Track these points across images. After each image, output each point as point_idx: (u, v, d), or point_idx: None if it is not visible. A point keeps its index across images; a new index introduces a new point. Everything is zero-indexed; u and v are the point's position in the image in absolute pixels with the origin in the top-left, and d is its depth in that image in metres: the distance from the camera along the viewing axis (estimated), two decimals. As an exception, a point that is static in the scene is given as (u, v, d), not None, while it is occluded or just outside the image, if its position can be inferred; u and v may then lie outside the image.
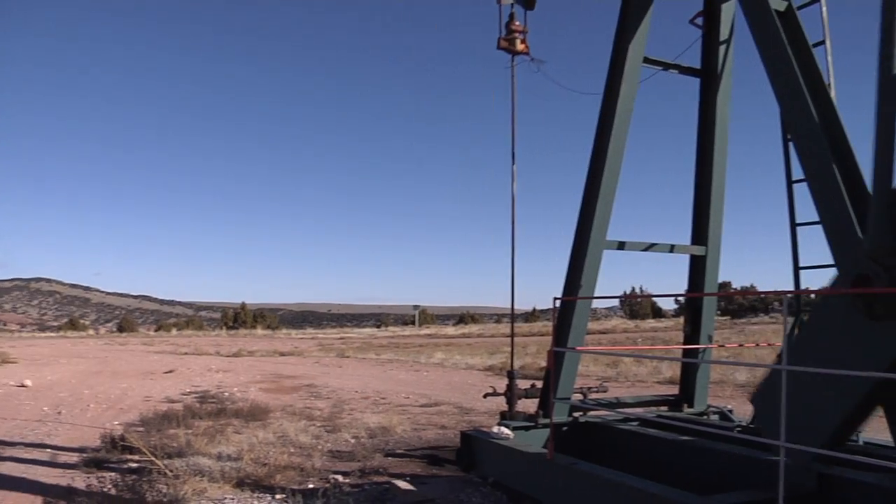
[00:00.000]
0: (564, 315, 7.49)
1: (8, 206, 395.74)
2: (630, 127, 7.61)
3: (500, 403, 8.14)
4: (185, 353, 35.51)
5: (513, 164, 8.33)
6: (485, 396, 8.82)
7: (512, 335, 9.00)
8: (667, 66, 8.08)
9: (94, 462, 9.34)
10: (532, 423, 7.28)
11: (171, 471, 8.00)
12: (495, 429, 7.00)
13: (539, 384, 7.88)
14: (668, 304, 76.64)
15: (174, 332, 75.75)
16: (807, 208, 5.71)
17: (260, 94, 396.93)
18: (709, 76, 8.08)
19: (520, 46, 8.27)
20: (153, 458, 8.24)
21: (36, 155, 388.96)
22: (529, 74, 8.44)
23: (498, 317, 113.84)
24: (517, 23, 8.22)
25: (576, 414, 7.47)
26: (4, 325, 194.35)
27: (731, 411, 7.84)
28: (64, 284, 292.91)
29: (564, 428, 7.23)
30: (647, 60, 7.73)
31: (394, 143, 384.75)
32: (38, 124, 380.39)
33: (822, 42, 5.93)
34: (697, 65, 8.17)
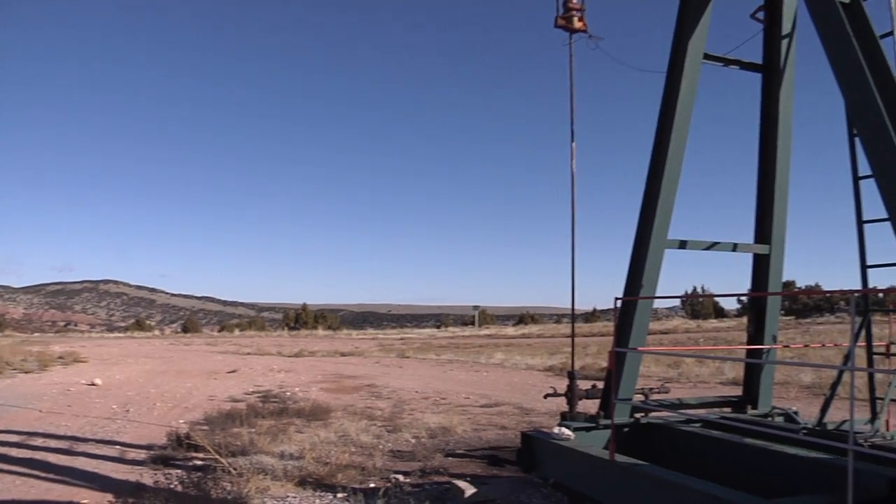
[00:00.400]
0: (625, 315, 7.42)
1: (78, 211, 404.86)
2: (691, 124, 7.51)
3: (561, 404, 8.09)
4: (248, 354, 35.94)
5: (572, 141, 8.21)
6: (545, 397, 8.77)
7: (573, 335, 8.92)
8: (727, 62, 7.94)
9: (161, 459, 9.53)
10: (593, 424, 7.21)
11: (234, 469, 8.11)
12: (556, 429, 6.95)
13: (600, 385, 7.82)
14: (730, 304, 75.26)
15: (237, 332, 76.80)
16: (874, 205, 5.57)
17: (317, 97, 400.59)
18: (771, 71, 7.92)
19: (577, 24, 8.15)
20: (217, 456, 8.36)
21: (104, 163, 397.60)
22: (588, 53, 8.35)
23: (558, 317, 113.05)
24: (574, 0, 8.13)
25: (637, 415, 7.39)
26: (75, 325, 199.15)
27: (796, 413, 7.66)
28: (131, 286, 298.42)
29: (626, 429, 7.16)
30: (707, 57, 7.61)
31: (453, 143, 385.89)
32: (108, 131, 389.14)
33: (890, 33, 5.75)
34: (758, 60, 8.02)
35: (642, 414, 7.41)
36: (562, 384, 8.33)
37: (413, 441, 10.73)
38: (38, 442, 11.37)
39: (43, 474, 9.02)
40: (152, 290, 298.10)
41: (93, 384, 20.25)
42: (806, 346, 10.83)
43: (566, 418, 7.40)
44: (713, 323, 61.07)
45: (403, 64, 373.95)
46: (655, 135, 7.64)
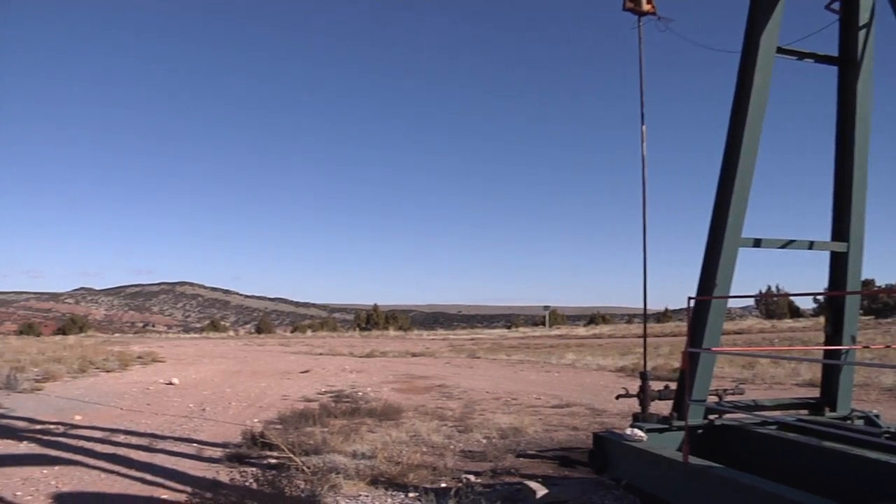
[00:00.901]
0: (699, 315, 7.31)
1: (156, 217, 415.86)
2: (765, 119, 7.36)
3: (633, 405, 8.01)
4: (320, 354, 36.33)
5: (642, 124, 8.10)
6: (617, 398, 8.70)
7: (644, 335, 8.82)
8: (802, 56, 7.76)
9: (236, 457, 9.72)
10: (666, 426, 7.12)
11: (308, 467, 8.22)
12: (628, 431, 6.89)
13: (673, 386, 7.71)
14: (806, 304, 73.57)
15: (309, 333, 77.80)
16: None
17: (396, 100, 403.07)
18: (847, 64, 7.70)
19: (646, 6, 8.03)
20: (291, 455, 8.48)
21: (181, 170, 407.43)
22: (657, 36, 8.24)
23: (629, 317, 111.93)
24: None
25: (711, 416, 7.28)
26: (153, 326, 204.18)
27: (877, 416, 7.45)
28: (206, 288, 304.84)
29: (699, 431, 7.06)
30: (780, 50, 7.45)
31: (525, 145, 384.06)
32: (183, 139, 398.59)
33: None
34: (834, 52, 7.82)
35: (716, 416, 7.29)
36: (634, 385, 8.24)
37: (484, 441, 10.73)
38: (120, 438, 11.71)
39: (124, 470, 9.29)
40: (227, 292, 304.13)
41: (170, 383, 20.73)
42: (887, 346, 10.50)
43: (638, 419, 7.33)
44: (788, 323, 59.73)
45: (475, 66, 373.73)
46: (728, 131, 7.50)
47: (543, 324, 76.24)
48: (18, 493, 8.17)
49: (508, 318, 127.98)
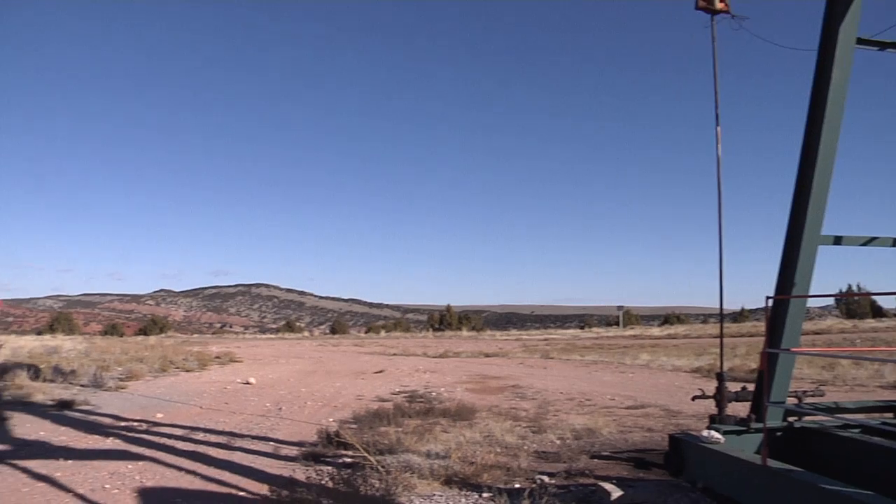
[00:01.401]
0: (777, 314, 7.16)
1: (231, 218, 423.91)
2: (844, 113, 7.17)
3: (709, 406, 7.89)
4: (394, 354, 36.54)
5: (717, 125, 7.97)
6: (693, 399, 8.57)
7: (721, 335, 8.67)
8: (883, 46, 7.52)
9: (311, 456, 9.84)
10: (744, 428, 7.00)
11: (382, 466, 8.28)
12: (705, 432, 6.79)
13: (750, 387, 7.58)
14: (890, 303, 71.34)
15: (383, 333, 78.37)
16: None
17: (464, 101, 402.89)
18: (932, 54, 7.47)
19: (719, 5, 7.91)
20: (366, 454, 8.56)
21: (257, 173, 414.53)
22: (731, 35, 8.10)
23: (704, 317, 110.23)
24: None
25: (790, 419, 7.12)
26: (230, 326, 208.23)
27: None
28: (281, 289, 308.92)
29: (778, 433, 6.92)
30: (860, 41, 7.25)
31: (595, 145, 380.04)
32: (261, 140, 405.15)
33: None
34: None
35: (796, 418, 7.13)
36: (710, 386, 8.12)
37: (558, 442, 10.67)
38: (200, 436, 11.98)
39: (204, 467, 9.51)
40: (301, 293, 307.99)
41: (247, 383, 21.11)
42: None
43: (715, 421, 7.22)
44: (871, 323, 57.92)
45: (552, 67, 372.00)
46: (806, 126, 7.34)
47: (617, 324, 75.44)
48: (107, 486, 8.49)
49: (582, 319, 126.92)
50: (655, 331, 62.95)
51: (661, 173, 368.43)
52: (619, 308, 79.70)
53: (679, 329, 61.46)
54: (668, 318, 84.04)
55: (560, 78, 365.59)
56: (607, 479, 7.95)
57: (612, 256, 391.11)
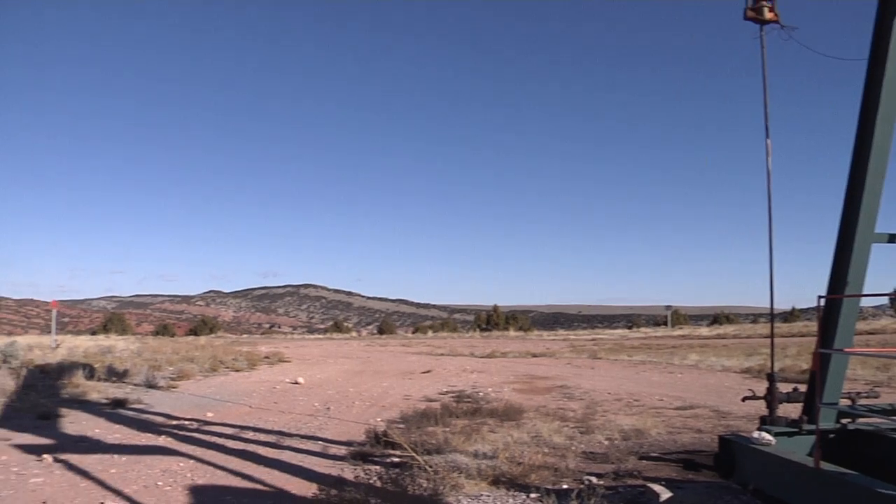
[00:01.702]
0: (830, 314, 7.06)
1: (279, 220, 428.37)
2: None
3: (760, 407, 7.79)
4: (441, 355, 36.57)
5: (766, 138, 7.86)
6: (743, 400, 8.47)
7: (772, 335, 8.55)
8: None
9: (359, 455, 9.90)
10: (796, 429, 6.91)
11: (430, 466, 8.30)
12: (755, 434, 6.72)
13: (802, 388, 7.48)
14: (947, 303, 69.59)
15: (430, 333, 78.52)
16: None
17: (506, 101, 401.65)
18: None
19: (768, 15, 7.78)
20: (414, 454, 8.58)
21: (305, 174, 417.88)
22: (781, 44, 7.95)
23: (754, 316, 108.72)
24: None
25: (843, 421, 7.01)
26: (278, 327, 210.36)
27: None
28: (329, 290, 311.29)
29: (831, 435, 6.82)
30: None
31: (643, 145, 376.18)
32: (307, 140, 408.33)
33: None
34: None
35: (849, 420, 7.02)
36: (760, 387, 8.02)
37: (606, 443, 10.61)
38: (249, 435, 12.13)
39: (254, 465, 9.63)
40: (349, 294, 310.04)
41: (296, 383, 21.31)
42: None
43: (766, 422, 7.13)
44: (928, 323, 56.70)
45: (600, 68, 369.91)
46: (859, 121, 7.22)
47: (665, 324, 74.77)
48: (160, 483, 8.65)
49: (629, 318, 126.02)
50: (704, 331, 62.26)
51: (711, 172, 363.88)
52: (668, 308, 78.99)
53: (728, 329, 60.64)
54: (717, 317, 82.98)
55: (614, 75, 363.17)
56: (656, 480, 7.89)
57: (661, 256, 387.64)
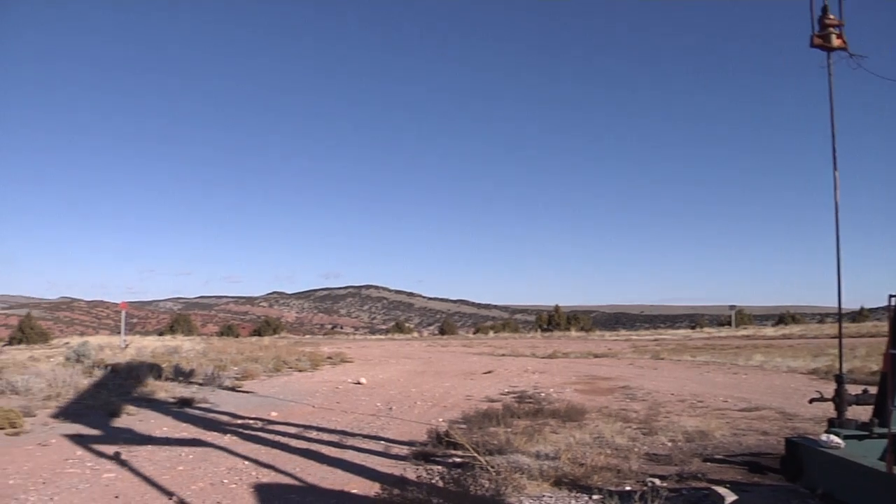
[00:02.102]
0: (901, 314, 6.89)
1: (341, 222, 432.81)
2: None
3: (828, 410, 7.65)
4: (503, 355, 36.47)
5: (834, 170, 7.64)
6: (810, 402, 8.32)
7: (840, 336, 8.38)
8: None
9: (421, 455, 9.97)
10: (866, 433, 6.76)
11: (492, 467, 8.32)
12: (824, 437, 6.60)
13: (872, 389, 7.32)
14: None
15: (491, 334, 78.24)
16: None
17: (567, 102, 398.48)
18: None
19: (836, 42, 7.56)
20: (476, 454, 8.61)
21: (367, 176, 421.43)
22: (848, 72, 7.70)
23: (821, 316, 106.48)
24: (831, 16, 7.55)
25: (917, 424, 6.84)
26: (341, 327, 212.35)
27: None
28: (390, 291, 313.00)
29: (903, 439, 6.66)
30: None
31: (705, 144, 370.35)
32: (373, 143, 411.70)
33: None
34: None
35: (923, 423, 6.85)
36: (828, 388, 7.88)
37: (669, 444, 10.51)
38: (313, 434, 12.29)
39: (317, 464, 9.77)
40: (410, 294, 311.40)
41: (358, 383, 21.48)
42: None
43: (835, 425, 7.00)
44: None
45: (666, 73, 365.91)
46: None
47: (729, 324, 73.56)
48: (225, 481, 8.83)
49: (692, 318, 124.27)
50: (769, 331, 61.12)
51: (774, 170, 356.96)
52: (732, 307, 77.76)
53: (794, 329, 59.52)
54: (782, 317, 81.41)
55: (694, 74, 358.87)
56: (720, 483, 7.80)
57: (724, 255, 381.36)
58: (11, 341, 54.32)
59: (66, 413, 14.59)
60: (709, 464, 9.13)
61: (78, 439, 11.74)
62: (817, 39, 7.54)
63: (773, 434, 11.20)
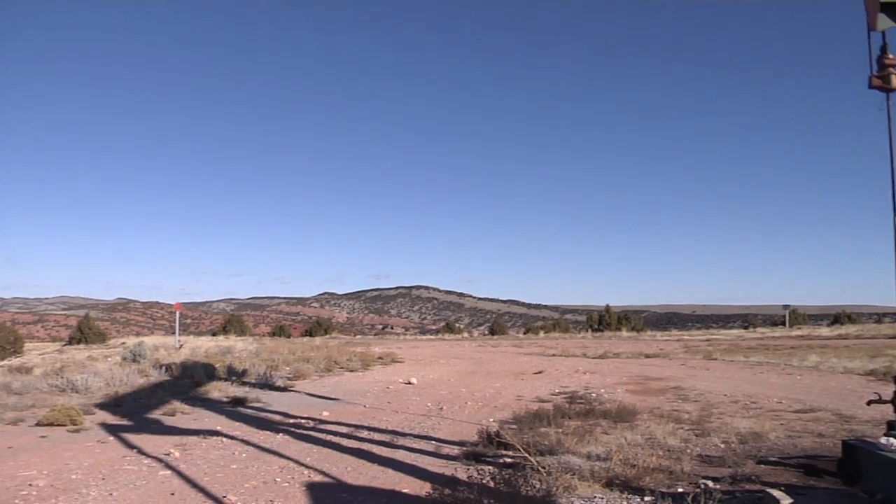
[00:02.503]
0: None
1: (391, 222, 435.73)
2: None
3: (886, 412, 7.50)
4: (553, 355, 36.32)
5: (894, 214, 7.40)
6: (868, 403, 8.15)
7: (898, 337, 8.20)
8: None
9: (472, 455, 10.00)
10: (927, 436, 6.62)
11: (543, 467, 8.31)
12: (883, 440, 6.48)
13: (933, 392, 7.16)
14: None
15: (541, 334, 77.93)
16: None
17: (610, 104, 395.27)
18: None
19: None
20: (526, 455, 8.59)
21: (415, 176, 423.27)
22: None
23: (878, 316, 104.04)
24: (891, 55, 7.31)
25: (980, 427, 6.68)
26: (391, 328, 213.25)
27: None
28: (440, 291, 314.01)
29: (967, 442, 6.51)
30: None
31: (758, 144, 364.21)
32: (420, 146, 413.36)
33: None
34: None
35: None
36: (887, 390, 7.74)
37: (722, 446, 10.40)
38: (364, 434, 12.39)
39: (368, 463, 9.86)
40: (460, 295, 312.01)
41: (409, 383, 21.58)
42: None
43: (894, 428, 6.87)
44: None
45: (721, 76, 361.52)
46: None
47: (783, 324, 72.37)
48: (278, 479, 8.97)
49: (745, 318, 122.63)
50: (824, 331, 60.06)
51: (831, 168, 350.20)
52: (785, 307, 76.51)
53: (850, 329, 58.35)
54: (837, 317, 79.82)
55: (748, 72, 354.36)
56: (775, 485, 7.70)
57: (778, 253, 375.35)
58: (71, 341, 55.54)
59: (124, 411, 14.93)
60: (763, 466, 9.02)
61: (135, 437, 12.02)
62: (876, 80, 7.20)
63: (829, 436, 11.02)
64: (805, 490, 7.59)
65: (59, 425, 13.03)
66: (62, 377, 19.44)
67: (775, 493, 7.10)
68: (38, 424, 13.33)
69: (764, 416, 13.14)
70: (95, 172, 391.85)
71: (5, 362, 34.95)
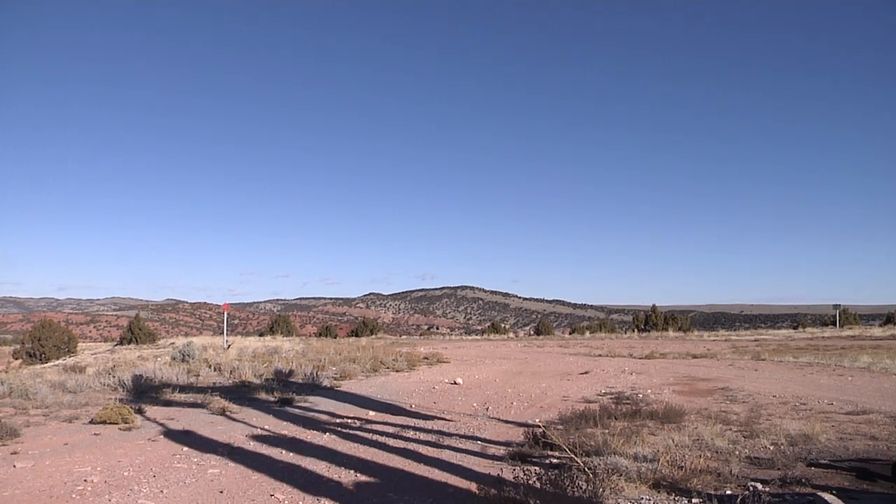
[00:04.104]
0: None
1: (437, 223, 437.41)
2: None
3: (941, 415, 7.38)
4: (599, 355, 36.09)
5: None
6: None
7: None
8: None
9: (518, 456, 10.01)
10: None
11: (589, 468, 8.29)
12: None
13: None
14: None
15: (587, 334, 77.53)
16: None
17: (660, 104, 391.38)
18: None
19: None
20: (573, 455, 8.57)
21: (459, 178, 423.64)
22: None
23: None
24: None
25: None
26: (436, 328, 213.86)
27: None
28: (485, 291, 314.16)
29: None
30: None
31: (809, 142, 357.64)
32: (460, 146, 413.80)
33: None
34: None
35: None
36: (942, 392, 7.60)
37: (771, 448, 10.27)
38: (410, 434, 12.47)
39: (414, 463, 9.94)
40: (505, 295, 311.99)
41: (454, 383, 21.60)
42: None
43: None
44: None
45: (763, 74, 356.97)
46: None
47: (833, 324, 71.24)
48: (324, 478, 9.05)
49: (794, 318, 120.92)
50: (877, 331, 58.94)
51: (882, 165, 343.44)
52: (836, 307, 75.25)
53: (904, 329, 57.28)
54: (890, 317, 78.30)
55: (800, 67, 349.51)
56: (826, 489, 7.59)
57: (828, 252, 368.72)
58: (122, 341, 56.57)
59: (173, 410, 15.19)
60: (813, 469, 8.90)
61: (184, 435, 12.24)
62: None
63: (882, 439, 10.82)
64: (858, 494, 7.48)
65: (111, 423, 13.33)
66: (114, 377, 19.83)
67: (827, 496, 7.00)
68: (91, 422, 13.65)
69: (814, 417, 12.95)
70: (146, 177, 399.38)
71: (60, 361, 35.78)
